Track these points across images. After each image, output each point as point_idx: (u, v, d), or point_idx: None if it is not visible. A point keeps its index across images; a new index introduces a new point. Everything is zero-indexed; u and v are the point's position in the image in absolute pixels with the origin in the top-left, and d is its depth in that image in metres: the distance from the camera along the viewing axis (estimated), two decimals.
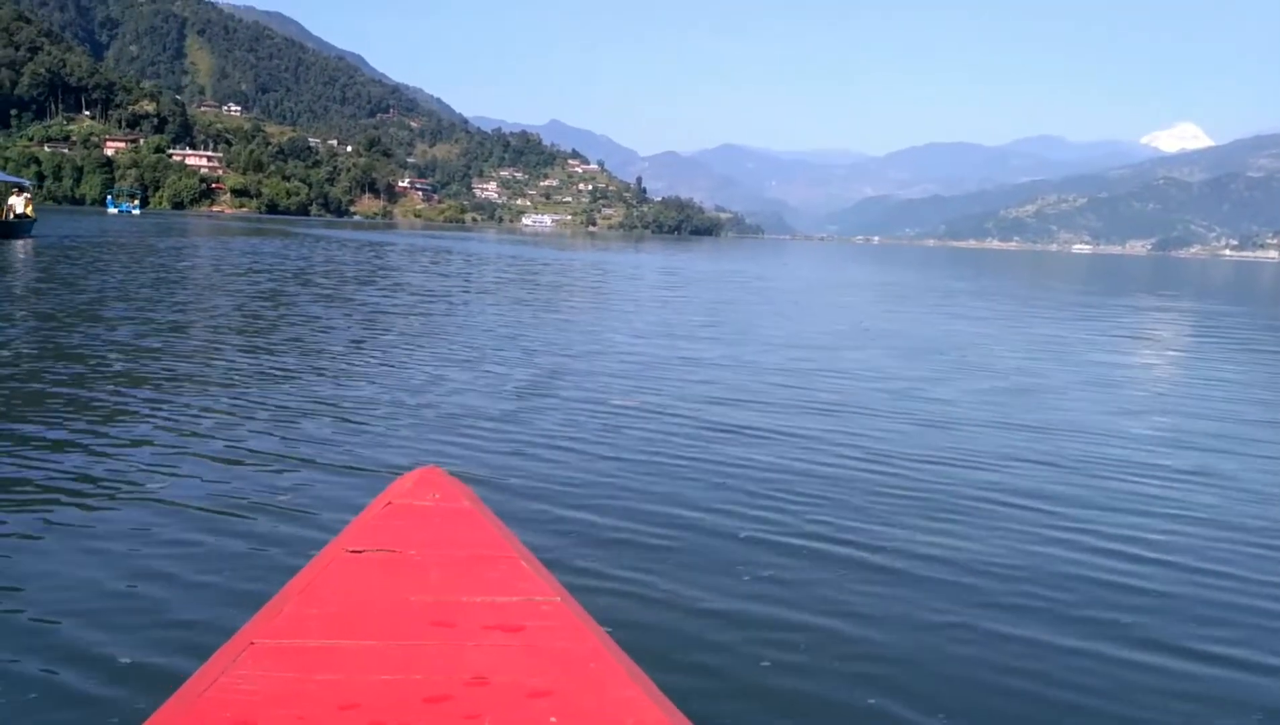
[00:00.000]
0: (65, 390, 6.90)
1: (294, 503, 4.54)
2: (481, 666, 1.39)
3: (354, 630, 1.48)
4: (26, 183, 38.44)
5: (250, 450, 5.46)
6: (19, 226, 32.36)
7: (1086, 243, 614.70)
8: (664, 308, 17.45)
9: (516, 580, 1.71)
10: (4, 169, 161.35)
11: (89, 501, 4.48)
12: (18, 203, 33.78)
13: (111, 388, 7.08)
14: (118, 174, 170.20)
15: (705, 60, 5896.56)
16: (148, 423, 6.01)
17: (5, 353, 8.34)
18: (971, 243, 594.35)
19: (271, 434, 5.86)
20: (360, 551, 1.77)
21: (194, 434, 5.76)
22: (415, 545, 1.80)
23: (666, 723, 1.31)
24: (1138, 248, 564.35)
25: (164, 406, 6.51)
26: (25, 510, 4.38)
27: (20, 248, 25.75)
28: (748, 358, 10.53)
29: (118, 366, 8.01)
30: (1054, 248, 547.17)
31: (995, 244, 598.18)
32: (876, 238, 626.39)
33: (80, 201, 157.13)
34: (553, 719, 1.29)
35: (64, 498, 4.51)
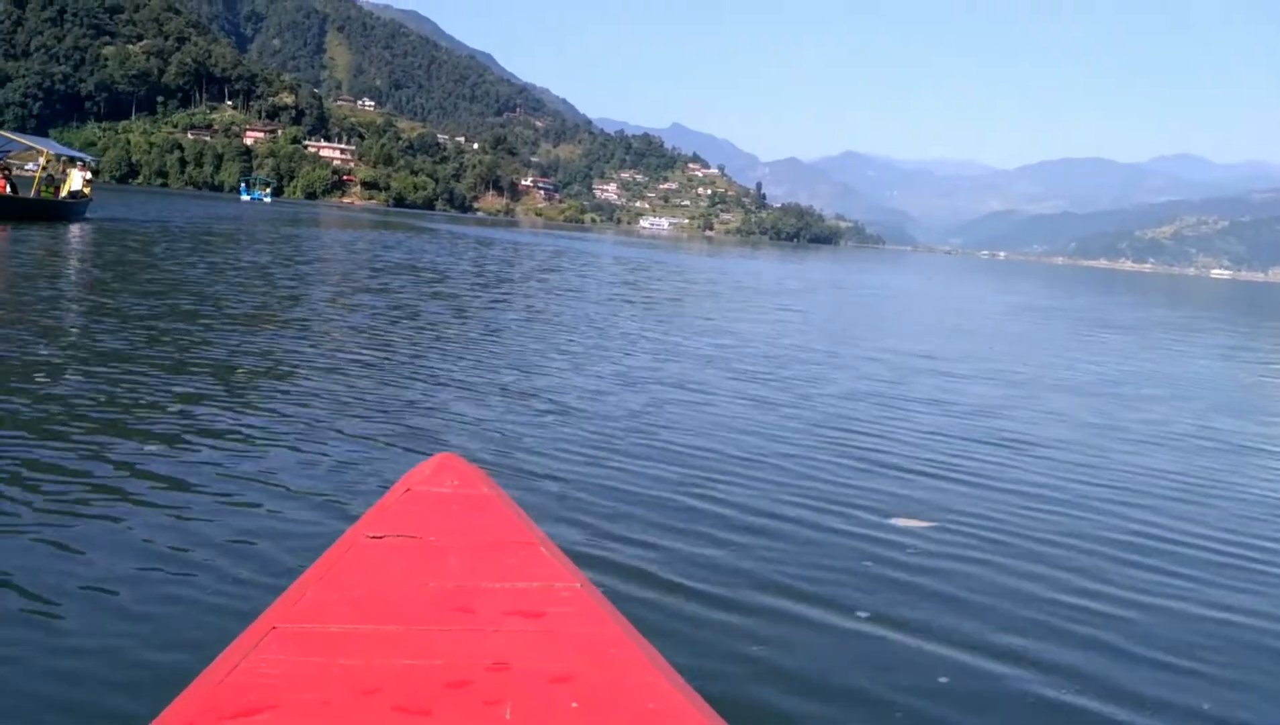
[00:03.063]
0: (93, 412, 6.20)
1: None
2: (502, 652, 1.40)
3: (375, 615, 1.48)
4: (89, 158, 32.78)
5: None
6: (70, 208, 27.14)
7: (1226, 268, 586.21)
8: (869, 320, 16.25)
9: (536, 566, 1.70)
10: (149, 153, 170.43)
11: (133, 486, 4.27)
12: (75, 178, 28.44)
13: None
14: (255, 163, 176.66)
15: (830, 66, 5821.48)
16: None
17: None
18: (1103, 262, 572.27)
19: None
20: (380, 537, 1.76)
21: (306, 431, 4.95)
22: (435, 531, 1.79)
23: (687, 707, 1.31)
24: None
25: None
26: (108, 484, 4.42)
27: (71, 234, 21.59)
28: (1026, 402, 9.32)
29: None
30: (1191, 271, 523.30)
31: (1128, 265, 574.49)
32: (1002, 253, 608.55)
33: (219, 188, 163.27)
34: (574, 704, 1.28)
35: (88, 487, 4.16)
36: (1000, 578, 4.16)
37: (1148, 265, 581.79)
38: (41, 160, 28.09)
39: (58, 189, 27.85)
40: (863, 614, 3.56)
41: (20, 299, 10.40)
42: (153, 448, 5.09)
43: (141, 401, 6.10)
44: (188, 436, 5.36)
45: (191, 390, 6.56)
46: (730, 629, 3.39)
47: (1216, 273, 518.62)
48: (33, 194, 26.06)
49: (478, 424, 6.27)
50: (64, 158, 30.32)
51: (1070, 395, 10.00)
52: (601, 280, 23.34)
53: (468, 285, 17.54)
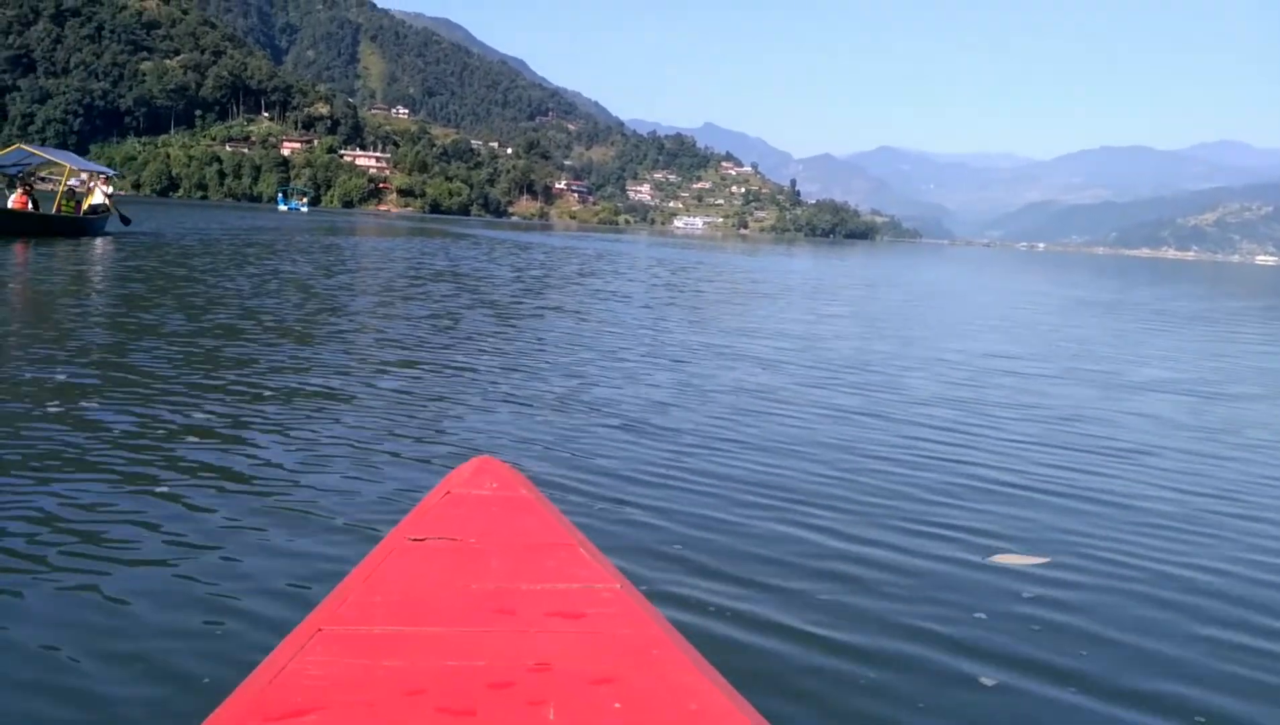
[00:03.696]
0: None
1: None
2: (544, 653, 1.41)
3: (418, 618, 1.50)
4: (111, 171, 32.64)
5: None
6: (91, 223, 26.56)
7: (1272, 254, 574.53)
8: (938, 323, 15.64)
9: (576, 568, 1.71)
10: (189, 166, 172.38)
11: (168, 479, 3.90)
12: (96, 192, 27.97)
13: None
14: (292, 173, 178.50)
15: (863, 61, 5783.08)
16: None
17: None
18: (1144, 251, 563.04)
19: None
20: (421, 540, 1.78)
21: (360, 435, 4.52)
22: (475, 534, 1.81)
23: (730, 708, 1.32)
24: None
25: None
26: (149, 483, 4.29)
27: (92, 250, 20.80)
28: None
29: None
30: (1235, 259, 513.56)
31: (1171, 253, 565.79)
32: (1041, 245, 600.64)
33: (257, 199, 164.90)
34: (616, 704, 1.29)
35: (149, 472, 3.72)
36: (1140, 619, 3.67)
37: (1191, 253, 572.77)
38: (66, 176, 27.36)
39: (79, 204, 27.26)
40: (985, 677, 3.06)
41: (41, 317, 10.08)
42: (196, 450, 5.19)
43: (182, 409, 6.04)
44: (228, 445, 5.33)
45: (233, 400, 6.37)
46: (833, 677, 3.00)
47: (1262, 259, 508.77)
48: (54, 210, 25.63)
49: (535, 441, 5.81)
50: (90, 173, 29.59)
51: (1159, 395, 9.34)
52: (645, 283, 22.84)
53: (511, 291, 17.11)
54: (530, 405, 6.92)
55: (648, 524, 4.39)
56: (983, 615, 3.52)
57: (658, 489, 4.98)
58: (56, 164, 27.71)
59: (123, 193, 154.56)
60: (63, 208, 26.15)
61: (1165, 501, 5.31)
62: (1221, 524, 4.92)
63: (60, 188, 26.85)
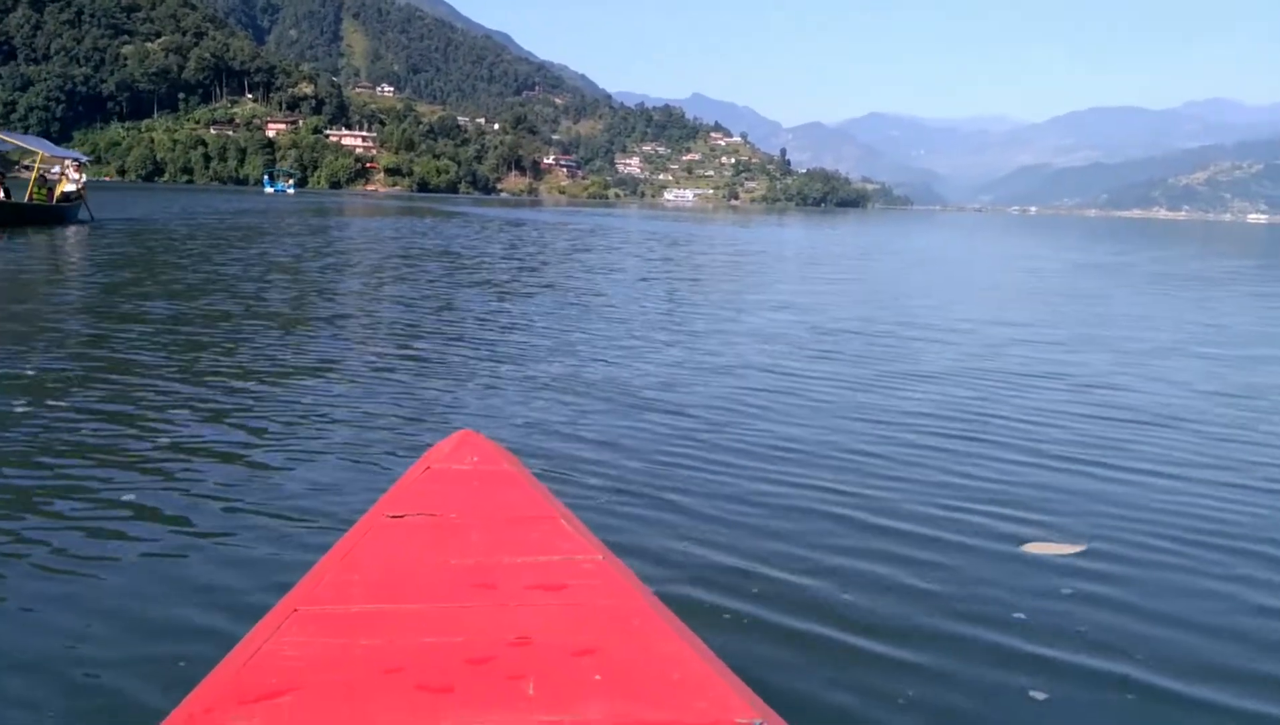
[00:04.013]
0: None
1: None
2: (525, 626, 1.39)
3: (396, 595, 1.48)
4: (82, 157, 31.27)
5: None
6: (63, 211, 25.79)
7: (1263, 212, 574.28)
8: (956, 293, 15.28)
9: (557, 540, 1.68)
10: (173, 150, 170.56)
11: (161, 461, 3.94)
12: (70, 180, 27.03)
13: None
14: (278, 154, 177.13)
15: (850, 27, 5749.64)
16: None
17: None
18: (1136, 212, 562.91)
19: None
20: (400, 516, 1.75)
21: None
22: (455, 508, 1.78)
23: (712, 675, 1.30)
24: None
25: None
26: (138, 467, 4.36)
27: (64, 239, 20.11)
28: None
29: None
30: (1227, 217, 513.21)
31: (1162, 213, 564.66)
32: (1033, 208, 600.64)
33: (243, 181, 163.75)
34: (597, 676, 1.28)
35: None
36: (1190, 610, 3.35)
37: (1182, 213, 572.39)
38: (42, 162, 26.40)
39: (51, 191, 26.37)
40: (1036, 690, 2.75)
41: (12, 309, 9.71)
42: (178, 430, 5.14)
43: (165, 391, 5.99)
44: (210, 424, 5.31)
45: (216, 381, 6.23)
46: (861, 688, 2.70)
47: (1253, 217, 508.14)
48: (26, 198, 24.81)
49: (543, 423, 5.48)
50: (62, 159, 28.46)
51: (1176, 358, 9.05)
52: (641, 257, 22.46)
53: (506, 270, 16.73)
54: (533, 382, 6.63)
55: (653, 508, 4.12)
56: (1022, 615, 3.20)
57: (664, 469, 4.72)
58: (30, 151, 27.02)
59: (107, 179, 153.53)
60: (35, 196, 25.40)
61: (1198, 470, 5.03)
62: (1260, 497, 4.62)
63: (33, 175, 26.18)
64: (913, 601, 3.29)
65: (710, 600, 3.21)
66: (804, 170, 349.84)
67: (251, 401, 5.90)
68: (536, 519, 1.76)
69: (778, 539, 3.83)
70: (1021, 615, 3.21)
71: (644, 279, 15.82)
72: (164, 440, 4.94)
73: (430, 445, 2.13)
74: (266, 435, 5.15)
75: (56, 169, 27.42)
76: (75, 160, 29.04)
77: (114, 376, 6.42)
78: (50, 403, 5.59)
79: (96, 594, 3.13)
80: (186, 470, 4.47)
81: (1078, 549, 3.82)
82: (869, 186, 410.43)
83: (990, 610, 3.24)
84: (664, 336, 9.27)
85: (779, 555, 3.65)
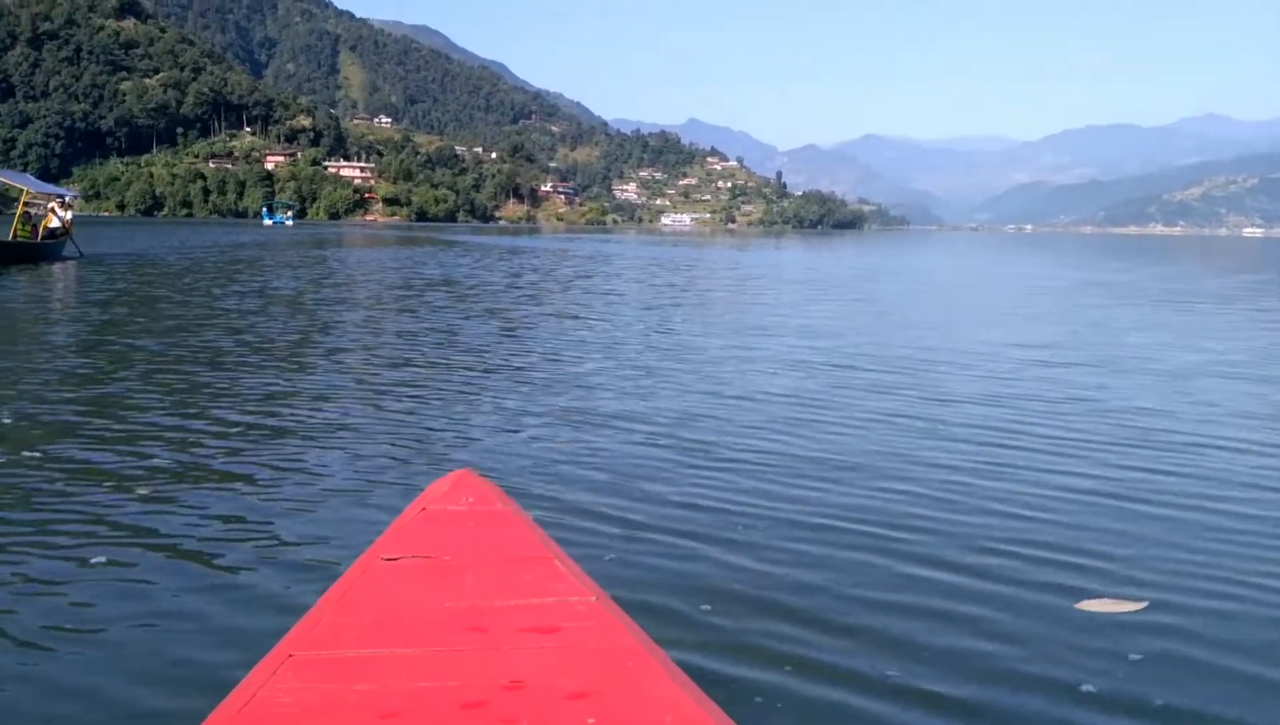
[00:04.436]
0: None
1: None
2: (518, 670, 1.38)
3: (391, 639, 1.47)
4: (68, 194, 30.18)
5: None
6: (48, 248, 24.99)
7: (1259, 226, 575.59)
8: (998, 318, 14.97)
9: (552, 581, 1.67)
10: (172, 184, 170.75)
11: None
12: (55, 217, 26.24)
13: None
14: (277, 187, 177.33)
15: (844, 50, 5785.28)
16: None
17: None
18: (1132, 229, 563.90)
19: None
20: (396, 559, 1.74)
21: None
22: (450, 550, 1.77)
23: (706, 719, 1.29)
24: None
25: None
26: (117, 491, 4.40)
27: (50, 277, 19.71)
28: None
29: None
30: (1223, 232, 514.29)
31: (1159, 229, 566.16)
32: (1029, 226, 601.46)
33: (243, 214, 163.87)
34: (590, 720, 1.27)
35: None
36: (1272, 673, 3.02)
37: (1178, 228, 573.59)
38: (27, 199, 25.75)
39: (35, 228, 25.66)
40: None
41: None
42: (175, 469, 5.05)
43: (165, 425, 5.90)
44: (216, 460, 5.23)
45: (215, 418, 6.11)
46: None
47: (1249, 231, 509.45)
48: (10, 236, 24.30)
49: (546, 459, 5.14)
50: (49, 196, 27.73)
51: (1212, 380, 8.75)
52: (645, 283, 22.20)
53: (509, 300, 16.45)
54: (538, 416, 6.31)
55: (665, 556, 3.82)
56: (1091, 688, 2.85)
57: (684, 510, 4.43)
58: (11, 186, 26.57)
59: (106, 214, 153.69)
60: (19, 233, 24.86)
61: (1256, 505, 4.72)
62: None
63: (18, 211, 25.60)
64: (964, 670, 2.97)
65: (734, 673, 2.88)
66: (800, 193, 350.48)
67: (247, 443, 5.65)
68: (531, 560, 1.75)
69: (804, 594, 3.53)
70: (1091, 688, 2.87)
71: (649, 307, 15.52)
72: (159, 473, 4.81)
73: (427, 485, 2.12)
74: (263, 476, 4.96)
75: (42, 205, 26.97)
76: (60, 197, 28.30)
77: (103, 419, 6.09)
78: (27, 454, 5.25)
79: (96, 635, 3.07)
80: (179, 509, 4.35)
81: (1139, 606, 3.48)
82: (865, 208, 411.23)
83: (1054, 678, 2.92)
84: (673, 365, 8.99)
85: (806, 614, 3.34)
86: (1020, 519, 4.44)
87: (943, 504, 4.66)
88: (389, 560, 1.74)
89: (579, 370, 8.66)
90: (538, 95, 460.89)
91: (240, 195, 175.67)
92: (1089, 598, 3.54)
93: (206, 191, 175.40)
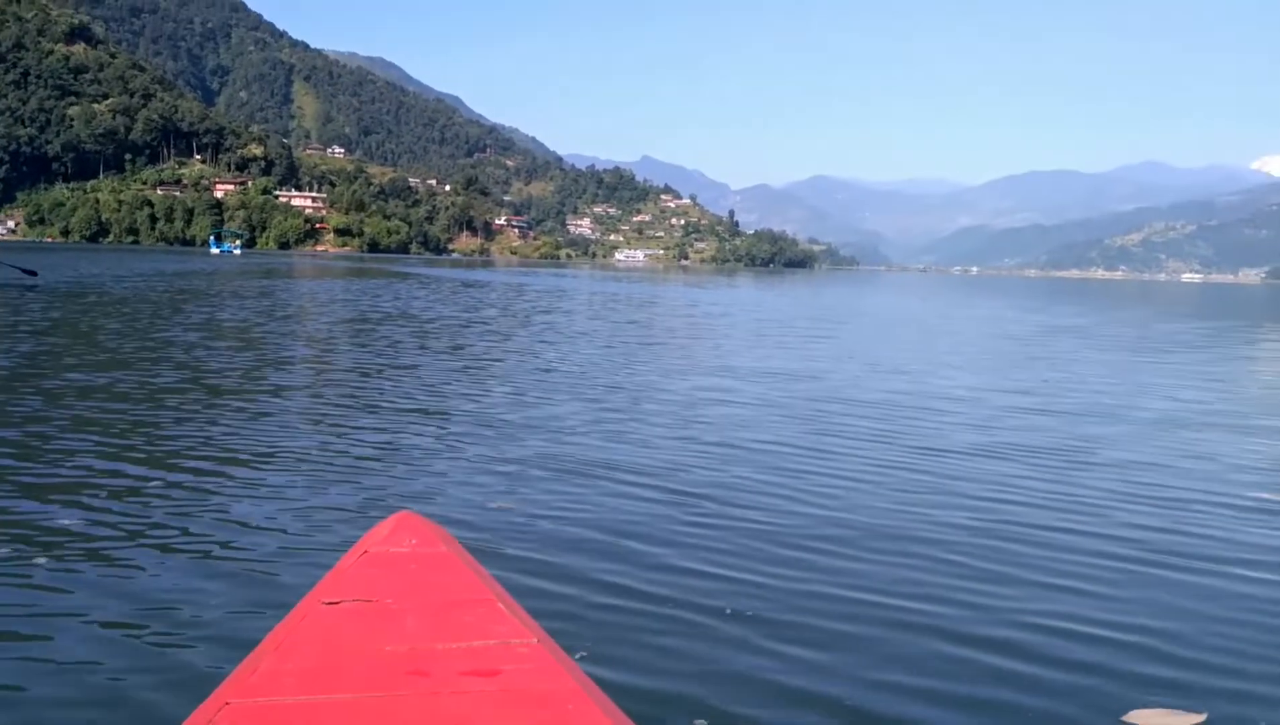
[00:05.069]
0: None
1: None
2: (458, 714, 1.38)
3: (330, 685, 1.46)
4: None
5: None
6: None
7: (1197, 272, 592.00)
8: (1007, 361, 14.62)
9: (493, 624, 1.68)
10: (119, 211, 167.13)
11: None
12: None
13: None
14: (226, 215, 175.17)
15: (796, 92, 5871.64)
16: None
17: None
18: (1074, 272, 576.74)
19: None
20: (336, 603, 1.73)
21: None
22: (392, 594, 1.76)
23: None
24: (1251, 276, 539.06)
25: None
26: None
27: None
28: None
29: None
30: (1162, 277, 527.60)
31: (1100, 273, 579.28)
32: (975, 268, 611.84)
33: (190, 242, 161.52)
34: None
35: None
36: None
37: (1119, 272, 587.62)
38: None
39: None
40: None
41: None
42: (106, 511, 4.74)
43: (98, 468, 5.50)
44: (144, 501, 4.92)
45: (148, 457, 5.71)
46: None
47: (1187, 277, 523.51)
48: None
49: (542, 520, 4.61)
50: None
51: (1203, 432, 8.41)
52: (608, 319, 21.74)
53: (468, 336, 15.85)
54: (509, 463, 5.76)
55: (660, 624, 3.26)
56: None
57: (659, 571, 3.83)
58: None
59: (50, 240, 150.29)
60: None
61: None
62: None
63: None
64: None
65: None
66: (752, 231, 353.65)
67: (184, 482, 5.24)
68: (473, 602, 1.75)
69: (810, 675, 3.10)
70: None
71: (611, 346, 15.03)
72: (89, 512, 4.54)
73: (370, 527, 2.09)
74: (200, 516, 4.68)
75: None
76: None
77: (27, 463, 5.46)
78: None
79: (20, 692, 2.89)
80: (110, 547, 4.15)
81: (1198, 720, 2.97)
82: (816, 247, 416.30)
83: None
84: (644, 408, 8.48)
85: (812, 698, 2.93)
86: (1038, 602, 3.96)
87: (955, 570, 4.22)
88: (329, 604, 1.73)
89: (543, 413, 8.13)
90: (493, 129, 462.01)
91: (188, 223, 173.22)
92: (1137, 706, 3.02)
93: (154, 218, 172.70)
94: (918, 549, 4.54)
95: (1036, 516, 5.20)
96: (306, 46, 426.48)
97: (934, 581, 4.08)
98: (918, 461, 6.59)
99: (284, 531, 4.47)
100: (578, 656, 2.92)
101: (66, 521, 4.53)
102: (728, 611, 3.65)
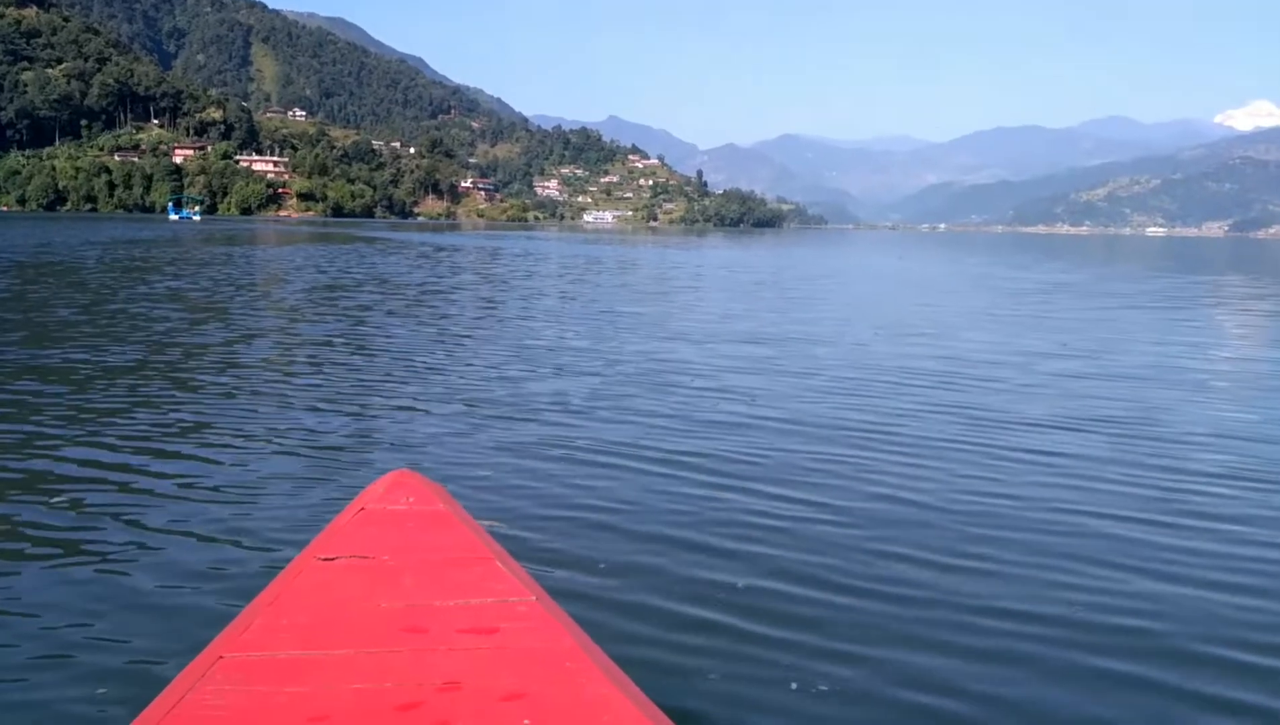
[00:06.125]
0: None
1: None
2: (454, 671, 1.36)
3: (325, 640, 1.44)
4: None
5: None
6: None
7: (1160, 226, 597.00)
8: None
9: (491, 582, 1.65)
10: (76, 178, 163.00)
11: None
12: None
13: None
14: (186, 181, 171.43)
15: (762, 50, 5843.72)
16: None
17: None
18: (1041, 228, 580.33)
19: None
20: (332, 559, 1.71)
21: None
22: (388, 550, 1.73)
23: (643, 719, 1.27)
24: (1214, 230, 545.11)
25: None
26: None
27: None
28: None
29: None
30: (1127, 231, 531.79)
31: (1066, 229, 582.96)
32: (943, 225, 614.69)
33: (150, 209, 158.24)
34: (526, 721, 1.25)
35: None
36: None
37: (1084, 228, 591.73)
38: None
39: None
40: None
41: None
42: (89, 471, 4.78)
43: (76, 422, 5.59)
44: (132, 469, 4.86)
45: (131, 425, 5.60)
46: None
47: (1152, 231, 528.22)
48: None
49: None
50: None
51: (1238, 396, 7.80)
52: (593, 283, 21.06)
53: (457, 307, 15.00)
54: (524, 444, 5.02)
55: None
56: None
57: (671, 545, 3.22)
58: None
59: (4, 209, 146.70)
60: None
61: None
62: None
63: None
64: None
65: None
66: (721, 191, 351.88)
67: (172, 440, 5.38)
68: (471, 560, 1.72)
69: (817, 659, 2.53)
70: None
71: (605, 311, 14.25)
72: (72, 479, 4.58)
73: (366, 485, 2.03)
74: (192, 473, 4.75)
75: None
76: None
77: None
78: None
79: (17, 647, 2.86)
80: (103, 505, 4.20)
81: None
82: (784, 206, 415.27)
83: None
84: (646, 378, 7.79)
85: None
86: (1107, 592, 3.47)
87: (1013, 575, 3.64)
88: (325, 560, 1.70)
89: (535, 389, 7.39)
90: (457, 90, 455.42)
91: (147, 189, 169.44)
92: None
93: (112, 185, 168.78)
94: (952, 542, 3.93)
95: (1074, 499, 4.60)
96: (264, 7, 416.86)
97: (954, 574, 3.50)
98: (996, 437, 5.93)
99: (269, 487, 4.46)
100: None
101: (57, 484, 4.50)
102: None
